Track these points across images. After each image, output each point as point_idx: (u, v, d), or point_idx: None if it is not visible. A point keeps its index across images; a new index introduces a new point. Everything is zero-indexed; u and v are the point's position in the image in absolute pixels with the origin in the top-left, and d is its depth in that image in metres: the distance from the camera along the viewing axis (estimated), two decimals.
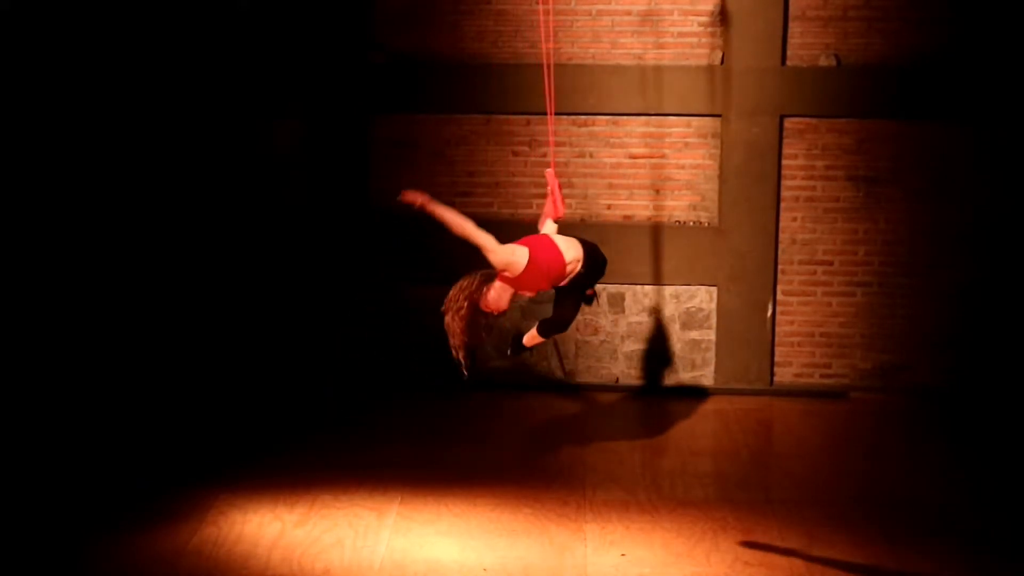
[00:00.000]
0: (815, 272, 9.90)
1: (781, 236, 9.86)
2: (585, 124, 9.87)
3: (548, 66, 7.22)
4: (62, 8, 9.62)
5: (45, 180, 9.73)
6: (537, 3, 9.58)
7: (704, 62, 9.74)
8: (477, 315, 6.47)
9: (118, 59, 9.77)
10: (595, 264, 6.88)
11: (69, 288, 9.74)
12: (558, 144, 9.92)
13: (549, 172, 7.14)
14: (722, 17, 9.68)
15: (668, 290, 9.96)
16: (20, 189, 9.53)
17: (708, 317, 9.97)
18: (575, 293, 6.92)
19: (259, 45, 9.85)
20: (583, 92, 9.77)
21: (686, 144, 9.87)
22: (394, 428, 8.97)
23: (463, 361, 6.55)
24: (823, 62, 9.69)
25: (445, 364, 9.49)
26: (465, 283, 6.51)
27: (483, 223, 9.79)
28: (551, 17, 6.91)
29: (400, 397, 9.66)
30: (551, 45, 6.95)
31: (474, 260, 9.91)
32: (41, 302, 9.65)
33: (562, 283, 6.76)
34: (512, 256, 6.46)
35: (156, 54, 9.80)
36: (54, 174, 9.75)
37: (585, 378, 10.06)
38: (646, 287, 9.95)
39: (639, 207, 9.94)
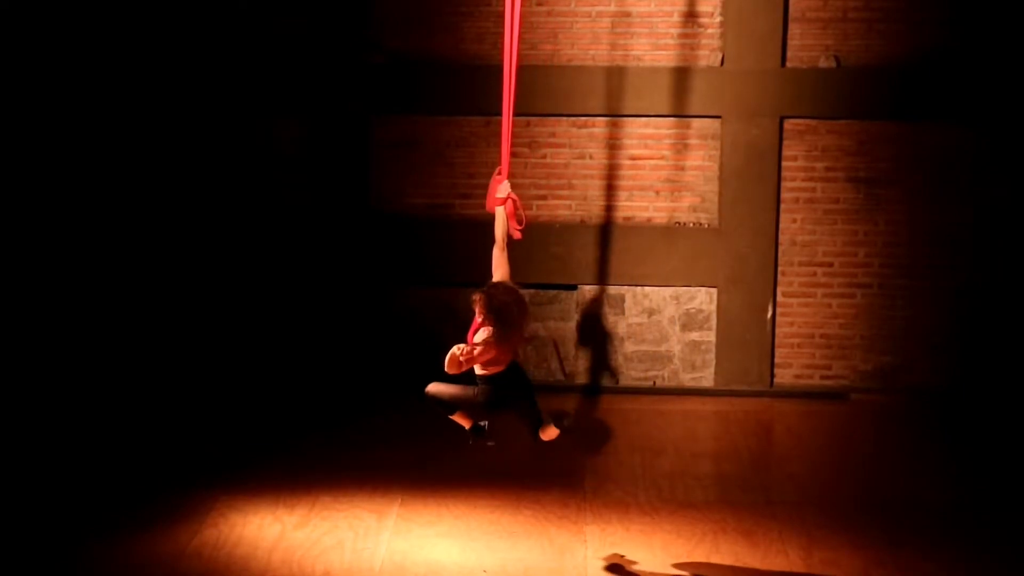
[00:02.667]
0: (815, 274, 9.90)
1: (781, 238, 9.86)
2: (585, 125, 9.87)
3: (510, 61, 7.14)
4: (62, 7, 9.61)
5: (46, 180, 9.77)
6: (537, 4, 9.64)
7: (704, 64, 9.74)
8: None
9: (118, 59, 9.78)
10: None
11: (70, 289, 9.77)
12: (558, 146, 9.91)
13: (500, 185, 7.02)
14: (722, 18, 9.68)
15: (668, 291, 9.95)
16: (16, 188, 9.55)
17: (708, 318, 9.97)
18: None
19: (259, 45, 9.85)
20: (583, 94, 9.77)
21: (686, 145, 9.87)
22: (394, 429, 8.94)
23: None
24: (823, 63, 9.69)
25: (441, 365, 9.47)
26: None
27: (483, 225, 9.87)
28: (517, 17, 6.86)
29: (400, 398, 9.62)
30: (515, 40, 6.94)
31: (472, 263, 9.95)
32: (43, 304, 9.68)
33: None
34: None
35: (156, 54, 9.81)
36: (54, 173, 9.78)
37: (585, 379, 10.05)
38: (646, 288, 9.95)
39: (639, 208, 9.94)
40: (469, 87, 9.80)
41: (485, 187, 9.92)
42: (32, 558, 6.68)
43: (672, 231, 9.92)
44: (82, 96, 9.78)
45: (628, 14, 9.73)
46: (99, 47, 9.78)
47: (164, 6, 9.78)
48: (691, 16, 9.71)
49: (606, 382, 10.04)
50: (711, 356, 9.98)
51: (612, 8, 9.74)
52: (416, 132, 9.97)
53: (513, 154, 9.91)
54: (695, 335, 9.99)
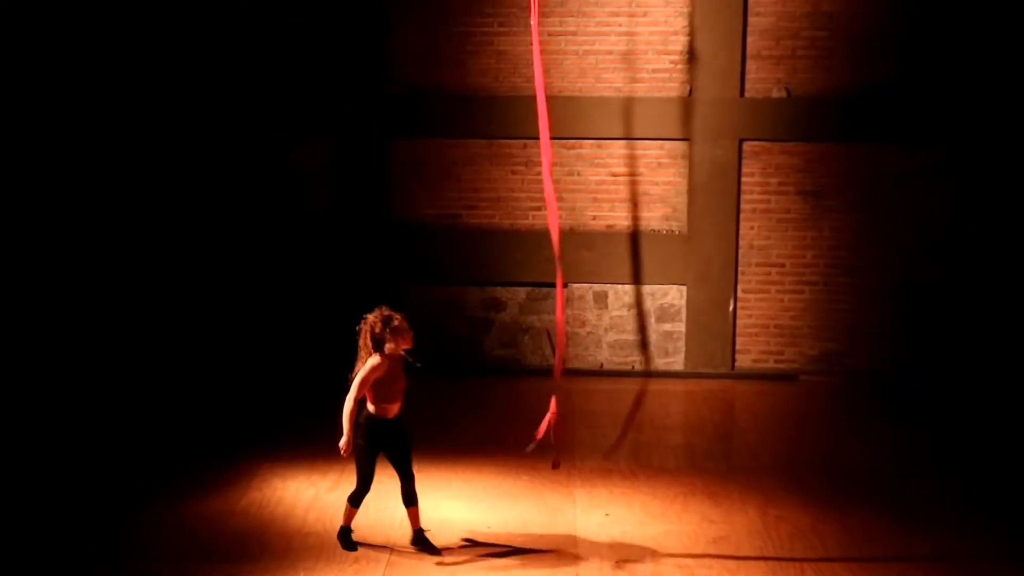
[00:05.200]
0: (769, 273, 9.92)
1: (741, 242, 9.88)
2: (573, 147, 9.88)
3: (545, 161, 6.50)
4: (118, 37, 9.64)
5: (108, 194, 9.79)
6: (531, 44, 9.63)
7: (675, 94, 9.77)
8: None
9: (180, 90, 9.81)
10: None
11: (138, 291, 9.84)
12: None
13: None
14: (689, 56, 9.71)
15: (645, 288, 9.97)
16: (82, 206, 9.56)
17: (679, 312, 9.98)
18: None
19: (293, 76, 9.86)
20: (571, 120, 9.78)
21: (659, 164, 9.89)
22: (407, 408, 8.92)
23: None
24: (775, 94, 9.72)
25: (451, 353, 9.48)
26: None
27: (486, 233, 9.97)
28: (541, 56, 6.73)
29: (413, 381, 9.61)
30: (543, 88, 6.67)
31: (475, 266, 9.96)
32: (116, 303, 9.74)
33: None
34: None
35: (212, 87, 9.86)
36: (114, 191, 9.80)
37: (574, 364, 10.04)
38: (626, 286, 9.97)
39: (620, 218, 9.96)
40: (474, 114, 9.82)
41: (487, 200, 10.01)
42: (105, 515, 6.72)
43: (648, 237, 9.93)
44: (147, 120, 9.82)
45: (610, 52, 9.76)
46: (161, 82, 9.80)
47: (227, 46, 9.81)
48: (663, 54, 9.74)
49: (592, 366, 10.07)
50: (681, 344, 10.00)
51: (596, 47, 9.76)
52: (428, 152, 9.97)
53: (513, 172, 10.01)
54: (668, 326, 10.01)
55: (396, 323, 6.04)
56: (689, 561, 6.14)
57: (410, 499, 6.22)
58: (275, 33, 9.80)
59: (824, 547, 6.33)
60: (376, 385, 6.01)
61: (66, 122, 9.51)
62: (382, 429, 6.06)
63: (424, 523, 6.52)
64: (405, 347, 6.08)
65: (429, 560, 6.16)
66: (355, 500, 6.25)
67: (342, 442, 6.01)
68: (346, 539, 6.30)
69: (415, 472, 6.26)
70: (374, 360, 5.97)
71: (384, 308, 6.08)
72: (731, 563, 6.12)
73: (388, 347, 6.02)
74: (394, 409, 6.09)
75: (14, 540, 6.36)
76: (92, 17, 9.51)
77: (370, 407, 6.07)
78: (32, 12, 9.15)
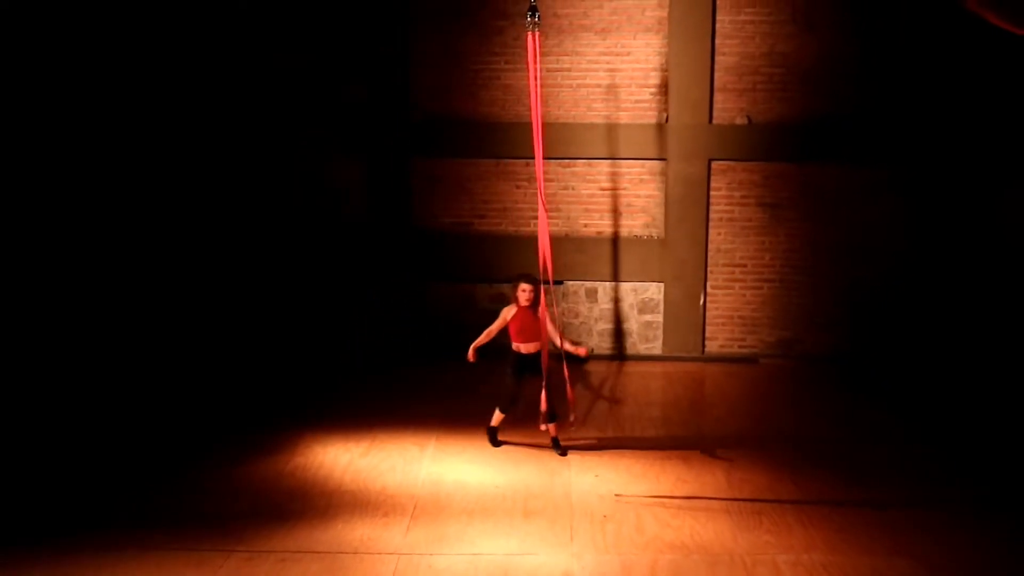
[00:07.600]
0: (734, 272, 9.97)
1: (710, 246, 9.93)
2: (568, 166, 9.94)
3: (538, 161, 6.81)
4: (174, 58, 9.58)
5: (172, 205, 9.81)
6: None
7: (654, 121, 9.82)
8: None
9: (239, 119, 9.84)
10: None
11: (199, 286, 9.85)
12: (549, 180, 9.85)
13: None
14: (666, 89, 9.76)
15: (629, 285, 10.03)
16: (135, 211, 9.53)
17: (658, 305, 10.04)
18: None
19: (332, 107, 9.90)
20: (566, 143, 9.85)
21: (641, 180, 9.94)
22: (429, 387, 8.96)
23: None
24: (739, 121, 9.77)
25: (466, 341, 9.47)
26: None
27: (494, 238, 10.02)
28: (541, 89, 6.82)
29: (432, 365, 9.64)
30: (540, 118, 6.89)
31: (485, 266, 9.99)
32: (181, 298, 9.73)
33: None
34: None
35: (264, 118, 9.90)
36: (180, 205, 9.82)
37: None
38: (613, 283, 10.02)
39: (607, 225, 10.01)
40: (484, 138, 9.85)
41: (495, 210, 10.04)
42: (167, 478, 6.80)
43: (631, 242, 9.98)
44: (211, 142, 9.83)
45: (599, 85, 9.82)
46: (220, 108, 9.82)
47: (278, 86, 9.82)
48: (644, 87, 9.79)
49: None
50: (660, 332, 10.04)
51: (588, 82, 9.81)
52: (445, 170, 10.02)
53: (517, 186, 10.05)
54: (648, 317, 10.06)
55: (520, 288, 7.08)
56: (665, 514, 6.21)
57: (550, 418, 7.06)
58: (317, 71, 9.84)
59: (779, 501, 6.39)
60: (511, 327, 7.07)
61: (121, 139, 9.51)
62: (517, 359, 7.10)
63: (443, 484, 6.64)
64: (523, 304, 7.05)
65: (448, 512, 6.23)
66: (504, 407, 7.23)
67: (470, 351, 7.07)
68: (494, 435, 7.33)
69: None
70: (506, 309, 7.12)
71: (523, 278, 7.10)
72: (701, 515, 6.20)
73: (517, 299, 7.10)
74: (525, 347, 7.06)
75: (80, 500, 6.39)
76: (150, 38, 9.49)
77: (514, 344, 7.09)
78: (76, 31, 9.10)
